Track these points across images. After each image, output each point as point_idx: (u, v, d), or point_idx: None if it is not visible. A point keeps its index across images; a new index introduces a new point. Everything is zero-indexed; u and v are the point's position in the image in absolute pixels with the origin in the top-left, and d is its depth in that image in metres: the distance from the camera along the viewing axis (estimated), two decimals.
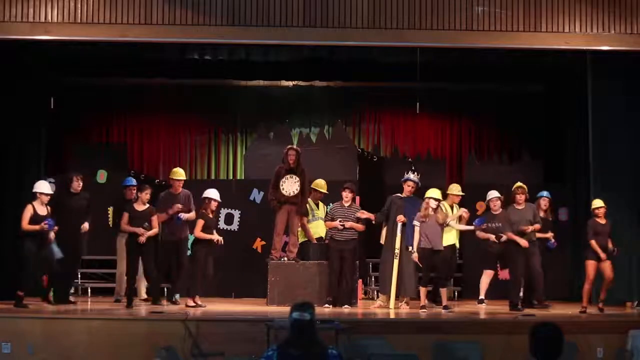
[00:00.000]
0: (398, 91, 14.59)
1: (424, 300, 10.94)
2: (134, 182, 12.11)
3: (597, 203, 11.13)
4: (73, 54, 12.65)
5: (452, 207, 11.79)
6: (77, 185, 11.15)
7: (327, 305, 11.07)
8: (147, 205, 11.09)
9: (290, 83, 15.13)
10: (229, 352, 8.52)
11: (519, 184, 11.51)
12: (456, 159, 15.41)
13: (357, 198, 12.45)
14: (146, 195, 11.08)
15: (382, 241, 11.66)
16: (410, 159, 14.15)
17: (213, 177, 15.15)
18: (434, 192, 11.07)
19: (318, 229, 11.88)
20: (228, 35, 11.20)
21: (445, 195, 11.70)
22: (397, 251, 11.20)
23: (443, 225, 11.05)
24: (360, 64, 13.59)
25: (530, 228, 11.14)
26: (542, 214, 11.63)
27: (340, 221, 11.23)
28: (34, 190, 10.59)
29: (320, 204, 12.02)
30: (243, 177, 14.30)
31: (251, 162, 13.52)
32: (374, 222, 11.61)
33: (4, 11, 10.89)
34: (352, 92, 15.30)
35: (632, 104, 11.94)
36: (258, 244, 12.71)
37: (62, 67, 13.27)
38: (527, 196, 11.34)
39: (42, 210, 10.55)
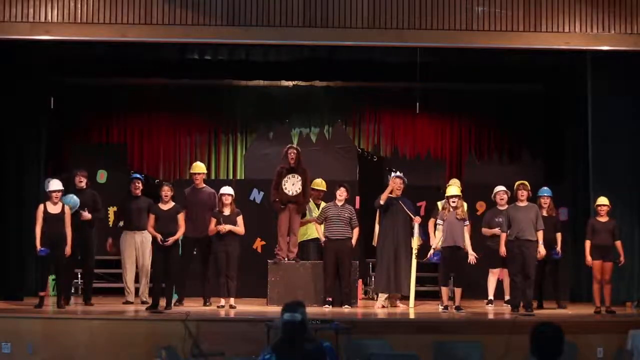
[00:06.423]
0: (398, 91, 14.58)
1: (446, 300, 10.82)
2: (139, 175, 12.04)
3: (600, 201, 11.12)
4: (73, 54, 12.61)
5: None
6: (79, 181, 11.20)
7: (327, 305, 11.06)
8: (173, 204, 10.78)
9: (290, 83, 15.10)
10: (229, 352, 8.53)
11: (521, 181, 11.26)
12: (456, 159, 15.38)
13: (357, 198, 12.45)
14: (166, 192, 10.72)
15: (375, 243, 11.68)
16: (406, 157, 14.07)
17: (213, 177, 15.12)
18: (453, 189, 11.02)
19: (313, 229, 11.86)
20: (228, 35, 11.20)
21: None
22: (415, 251, 11.20)
23: (464, 220, 10.90)
24: (360, 64, 13.56)
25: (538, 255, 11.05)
26: (544, 212, 11.32)
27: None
28: (46, 189, 10.60)
29: (322, 204, 11.93)
30: (243, 177, 14.27)
31: (251, 162, 13.51)
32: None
33: (4, 11, 10.89)
34: (352, 92, 15.28)
35: (632, 104, 11.93)
36: (258, 244, 12.69)
37: (62, 67, 13.24)
38: (530, 193, 11.14)
39: (54, 209, 10.50)
